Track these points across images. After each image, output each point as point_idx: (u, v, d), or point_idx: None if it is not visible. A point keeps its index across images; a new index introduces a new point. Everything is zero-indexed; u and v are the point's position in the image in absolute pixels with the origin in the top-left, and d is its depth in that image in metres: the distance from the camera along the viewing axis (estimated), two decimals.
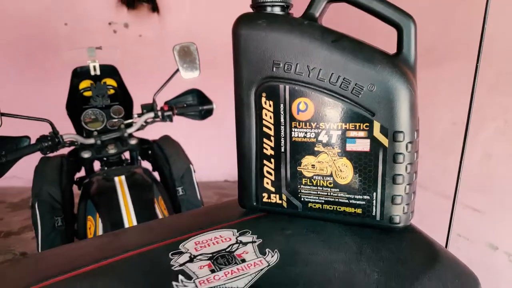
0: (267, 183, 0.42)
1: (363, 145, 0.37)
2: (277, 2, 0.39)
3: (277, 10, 0.39)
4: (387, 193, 0.38)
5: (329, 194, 0.40)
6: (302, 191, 0.41)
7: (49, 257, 0.39)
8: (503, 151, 1.80)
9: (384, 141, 0.37)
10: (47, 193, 1.32)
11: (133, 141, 1.51)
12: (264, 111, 0.40)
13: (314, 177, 0.40)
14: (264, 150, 0.41)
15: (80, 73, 1.52)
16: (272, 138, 0.40)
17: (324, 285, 0.32)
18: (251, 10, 0.40)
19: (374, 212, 0.38)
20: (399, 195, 0.37)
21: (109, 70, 1.56)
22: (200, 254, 0.36)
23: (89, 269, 0.34)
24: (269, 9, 0.39)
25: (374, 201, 0.38)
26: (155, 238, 0.39)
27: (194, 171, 1.50)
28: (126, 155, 1.62)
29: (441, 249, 0.37)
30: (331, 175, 0.39)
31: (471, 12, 1.95)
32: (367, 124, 0.37)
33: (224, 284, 0.32)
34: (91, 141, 1.40)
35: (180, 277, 0.33)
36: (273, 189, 0.42)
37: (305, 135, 0.39)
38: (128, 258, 0.36)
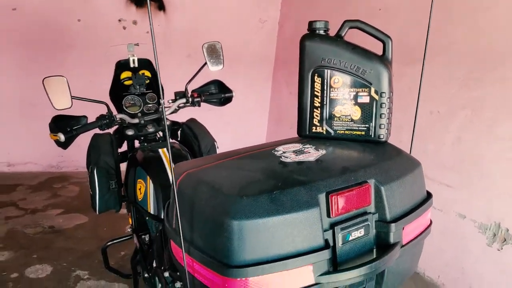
0: (316, 120, 0.81)
1: (366, 99, 0.77)
2: (322, 28, 0.78)
3: (322, 32, 0.79)
4: (377, 123, 0.78)
5: (348, 125, 0.80)
6: (334, 124, 0.80)
7: (195, 161, 0.77)
8: (471, 134, 2.13)
9: (376, 96, 0.77)
10: (104, 161, 1.55)
11: (167, 122, 1.81)
12: (315, 84, 0.79)
13: (340, 116, 0.80)
14: (315, 103, 0.81)
15: (122, 65, 1.74)
16: (319, 97, 0.80)
17: (351, 159, 0.72)
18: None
19: (371, 133, 0.79)
20: (382, 124, 0.78)
21: (145, 63, 1.81)
22: (287, 151, 0.75)
23: (230, 159, 0.73)
24: (318, 31, 0.78)
25: (371, 127, 0.78)
26: (259, 147, 0.78)
27: (218, 147, 1.84)
28: (156, 136, 1.93)
29: (402, 151, 0.78)
30: (349, 115, 0.79)
31: (446, 20, 2.35)
32: (368, 88, 0.77)
33: (303, 159, 0.71)
34: (136, 120, 1.70)
35: (282, 157, 0.72)
36: (318, 124, 0.82)
37: (337, 95, 0.79)
38: (249, 154, 0.75)
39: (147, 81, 1.82)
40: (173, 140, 1.97)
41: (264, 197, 0.58)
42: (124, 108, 1.76)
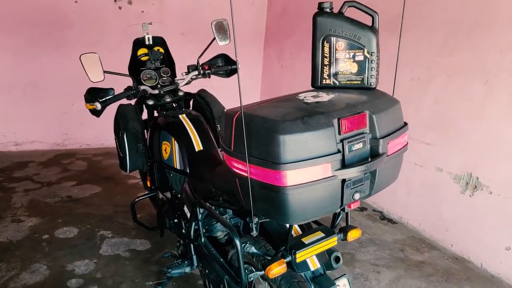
0: (325, 75, 1.14)
1: (361, 57, 1.09)
2: (328, 7, 1.09)
3: (328, 10, 1.10)
4: (369, 74, 1.10)
5: (349, 77, 1.12)
6: (339, 76, 1.13)
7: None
8: (446, 97, 2.44)
9: (368, 55, 1.09)
10: (132, 126, 1.80)
11: (181, 93, 2.05)
12: (325, 48, 1.11)
13: (343, 71, 1.12)
14: (324, 62, 1.12)
15: (139, 42, 1.96)
16: (328, 58, 1.12)
17: (352, 99, 1.05)
18: None
19: (365, 82, 1.11)
20: (373, 75, 1.10)
21: (159, 41, 2.01)
22: (307, 96, 1.07)
23: (266, 103, 1.05)
24: (325, 9, 1.09)
25: (365, 78, 1.11)
26: (285, 97, 1.10)
27: None
28: (172, 105, 2.05)
29: (386, 93, 1.11)
30: (349, 70, 1.11)
31: None
32: (362, 50, 1.08)
33: (320, 100, 1.04)
34: (156, 91, 1.96)
35: (305, 99, 1.04)
36: (327, 77, 1.14)
37: (340, 55, 1.11)
38: (279, 99, 1.07)
39: (161, 57, 2.00)
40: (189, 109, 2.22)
41: (298, 121, 0.90)
42: (142, 81, 1.93)
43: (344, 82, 1.13)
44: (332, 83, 1.14)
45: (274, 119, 0.91)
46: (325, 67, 1.12)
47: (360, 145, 0.96)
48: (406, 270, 2.16)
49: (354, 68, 1.10)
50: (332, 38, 1.09)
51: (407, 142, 1.11)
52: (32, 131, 4.02)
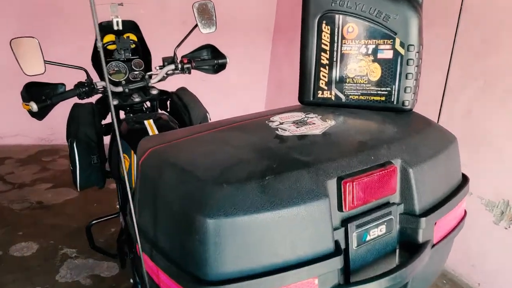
0: (322, 83, 0.64)
1: (388, 54, 0.59)
2: None
3: None
4: (402, 85, 0.60)
5: (364, 88, 0.62)
6: (346, 87, 0.63)
7: (176, 132, 0.60)
8: (482, 109, 2.01)
9: (402, 51, 0.59)
10: (84, 133, 1.47)
11: (154, 91, 1.68)
12: (323, 33, 0.61)
13: (355, 77, 0.62)
14: (321, 61, 0.63)
15: (104, 27, 1.65)
16: (328, 52, 0.62)
17: (369, 133, 0.55)
18: None
19: (393, 98, 0.61)
20: (409, 86, 0.60)
21: (131, 26, 1.69)
22: (285, 121, 0.58)
23: (211, 132, 0.56)
24: None
25: (393, 91, 0.61)
26: (250, 117, 0.61)
27: (210, 119, 1.69)
28: (142, 106, 1.79)
29: (432, 122, 0.61)
30: (366, 75, 0.61)
31: None
32: (391, 40, 0.58)
33: (307, 131, 0.54)
34: (120, 89, 1.56)
35: (279, 129, 0.55)
36: (326, 88, 0.64)
37: (351, 49, 0.61)
38: (238, 126, 0.58)
39: (133, 46, 1.69)
40: (162, 111, 1.85)
41: (253, 184, 0.42)
42: (108, 75, 1.65)
43: (356, 97, 0.63)
44: (333, 98, 0.64)
45: (202, 177, 0.42)
46: (322, 68, 0.63)
47: (381, 230, 0.48)
48: None
49: (375, 72, 0.61)
50: (337, 16, 0.59)
51: (466, 212, 0.61)
52: (15, 123, 3.70)
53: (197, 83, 1.87)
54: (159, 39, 1.66)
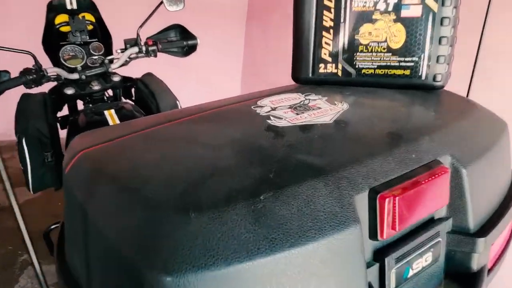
0: (325, 53, 0.47)
1: (416, 11, 0.43)
2: None
3: None
4: (433, 53, 0.44)
5: (382, 59, 0.46)
6: (357, 58, 0.47)
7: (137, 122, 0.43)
8: None
9: (434, 6, 0.43)
10: (35, 127, 1.32)
11: (116, 78, 1.52)
12: None
13: (370, 43, 0.46)
14: (324, 22, 0.46)
15: (55, 7, 1.49)
16: (332, 10, 0.45)
17: (398, 119, 0.39)
18: None
19: (420, 72, 0.45)
20: (443, 55, 0.44)
21: (87, 4, 1.52)
22: (279, 106, 0.42)
23: (190, 118, 0.39)
24: None
25: (422, 62, 0.45)
26: (229, 102, 0.44)
27: (181, 107, 1.54)
28: (103, 95, 1.62)
29: (475, 103, 0.46)
30: (385, 41, 0.45)
31: None
32: None
33: (311, 120, 0.38)
34: (75, 76, 1.39)
35: (272, 118, 0.39)
36: (329, 59, 0.47)
37: (365, 4, 0.44)
38: (214, 114, 0.41)
39: (90, 27, 1.51)
40: (126, 100, 1.68)
41: (239, 209, 0.25)
42: (63, 61, 1.47)
43: (371, 71, 0.47)
44: (340, 73, 0.48)
45: (155, 200, 0.25)
46: (325, 33, 0.46)
47: (427, 260, 0.32)
48: None
49: (397, 37, 0.45)
50: None
51: None
52: None
53: (165, 68, 1.70)
54: (121, 19, 1.47)
